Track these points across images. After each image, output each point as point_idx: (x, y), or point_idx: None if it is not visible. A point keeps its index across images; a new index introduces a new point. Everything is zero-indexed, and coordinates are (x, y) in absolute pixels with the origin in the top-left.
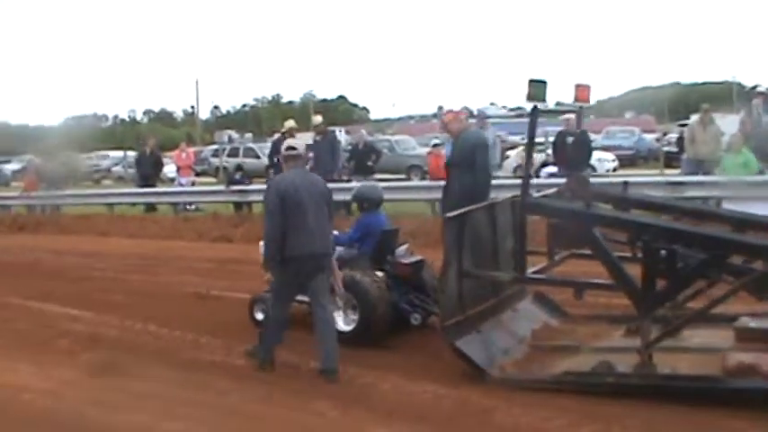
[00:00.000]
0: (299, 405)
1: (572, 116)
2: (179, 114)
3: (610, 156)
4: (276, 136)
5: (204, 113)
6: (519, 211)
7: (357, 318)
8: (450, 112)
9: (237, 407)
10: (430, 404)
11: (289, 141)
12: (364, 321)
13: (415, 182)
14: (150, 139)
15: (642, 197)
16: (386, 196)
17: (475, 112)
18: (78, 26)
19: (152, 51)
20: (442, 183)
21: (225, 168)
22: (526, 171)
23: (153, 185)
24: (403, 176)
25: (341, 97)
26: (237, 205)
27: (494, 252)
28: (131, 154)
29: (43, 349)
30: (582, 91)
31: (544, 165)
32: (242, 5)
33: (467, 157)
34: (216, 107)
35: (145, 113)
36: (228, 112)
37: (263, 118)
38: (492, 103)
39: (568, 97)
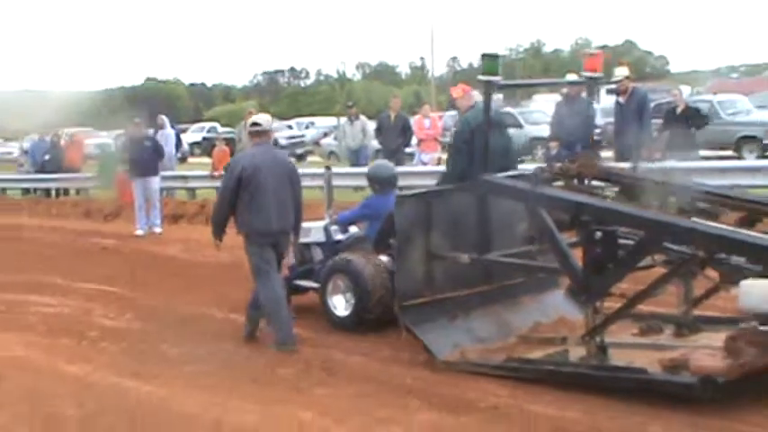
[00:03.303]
0: None
1: None
2: (403, 70)
3: None
4: (560, 98)
5: (439, 68)
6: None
7: (353, 302)
8: (461, 85)
9: None
10: None
11: (254, 117)
12: (359, 306)
13: (751, 161)
14: (395, 101)
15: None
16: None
17: None
18: None
19: None
20: None
21: None
22: (484, 152)
23: (400, 162)
24: (731, 153)
25: (628, 42)
26: None
27: (483, 235)
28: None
29: (261, 380)
30: (591, 60)
31: None
32: None
33: (466, 140)
34: (454, 59)
35: (358, 68)
36: (471, 65)
37: (521, 73)
38: None
39: None
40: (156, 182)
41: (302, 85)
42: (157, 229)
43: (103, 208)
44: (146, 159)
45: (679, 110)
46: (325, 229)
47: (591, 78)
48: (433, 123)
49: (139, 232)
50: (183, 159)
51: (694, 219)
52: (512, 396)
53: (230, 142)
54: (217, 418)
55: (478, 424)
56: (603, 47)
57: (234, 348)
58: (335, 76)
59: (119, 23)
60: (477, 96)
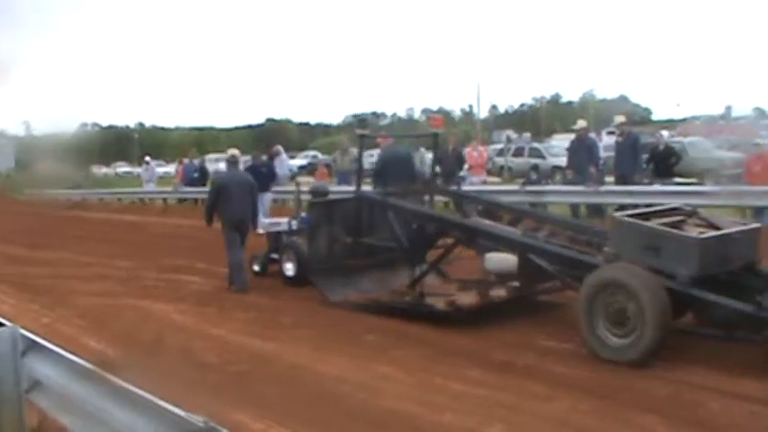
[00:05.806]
0: (629, 419)
1: None
2: (456, 113)
3: None
4: (573, 136)
5: (482, 112)
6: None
7: (296, 267)
8: (381, 137)
9: (562, 416)
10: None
11: (230, 151)
12: (299, 270)
13: (709, 186)
14: (452, 137)
15: (472, 194)
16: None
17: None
18: (358, 24)
19: (434, 49)
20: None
21: (510, 168)
22: (359, 170)
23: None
24: (695, 180)
25: (622, 96)
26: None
27: (369, 226)
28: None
29: (353, 343)
30: (436, 121)
31: None
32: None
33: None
34: (494, 106)
35: (423, 112)
36: (506, 111)
37: (542, 118)
38: None
39: None
40: (268, 196)
41: (381, 124)
42: None
43: None
44: (261, 180)
45: (661, 148)
46: (288, 222)
47: (434, 134)
48: (481, 154)
49: (260, 231)
50: (292, 177)
51: (475, 218)
52: (539, 360)
53: (327, 165)
54: (317, 368)
55: (513, 379)
56: (602, 100)
57: (333, 318)
58: (405, 117)
59: (245, 76)
60: (389, 142)
